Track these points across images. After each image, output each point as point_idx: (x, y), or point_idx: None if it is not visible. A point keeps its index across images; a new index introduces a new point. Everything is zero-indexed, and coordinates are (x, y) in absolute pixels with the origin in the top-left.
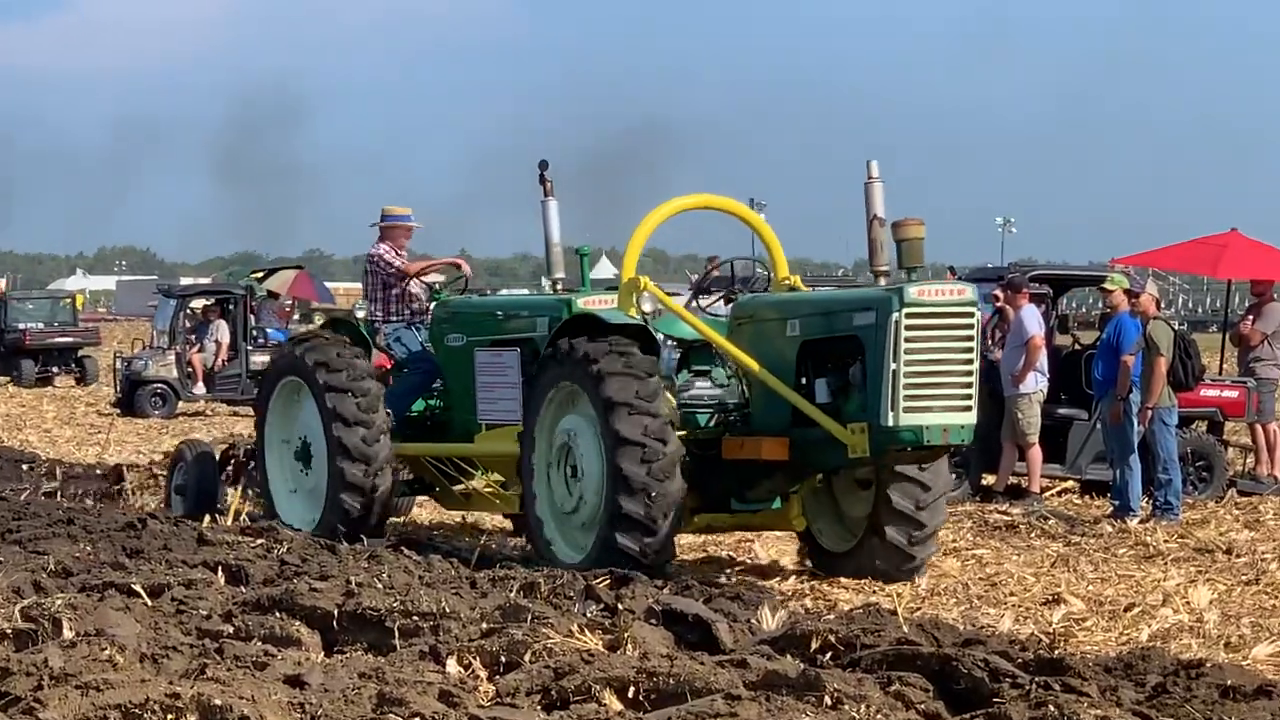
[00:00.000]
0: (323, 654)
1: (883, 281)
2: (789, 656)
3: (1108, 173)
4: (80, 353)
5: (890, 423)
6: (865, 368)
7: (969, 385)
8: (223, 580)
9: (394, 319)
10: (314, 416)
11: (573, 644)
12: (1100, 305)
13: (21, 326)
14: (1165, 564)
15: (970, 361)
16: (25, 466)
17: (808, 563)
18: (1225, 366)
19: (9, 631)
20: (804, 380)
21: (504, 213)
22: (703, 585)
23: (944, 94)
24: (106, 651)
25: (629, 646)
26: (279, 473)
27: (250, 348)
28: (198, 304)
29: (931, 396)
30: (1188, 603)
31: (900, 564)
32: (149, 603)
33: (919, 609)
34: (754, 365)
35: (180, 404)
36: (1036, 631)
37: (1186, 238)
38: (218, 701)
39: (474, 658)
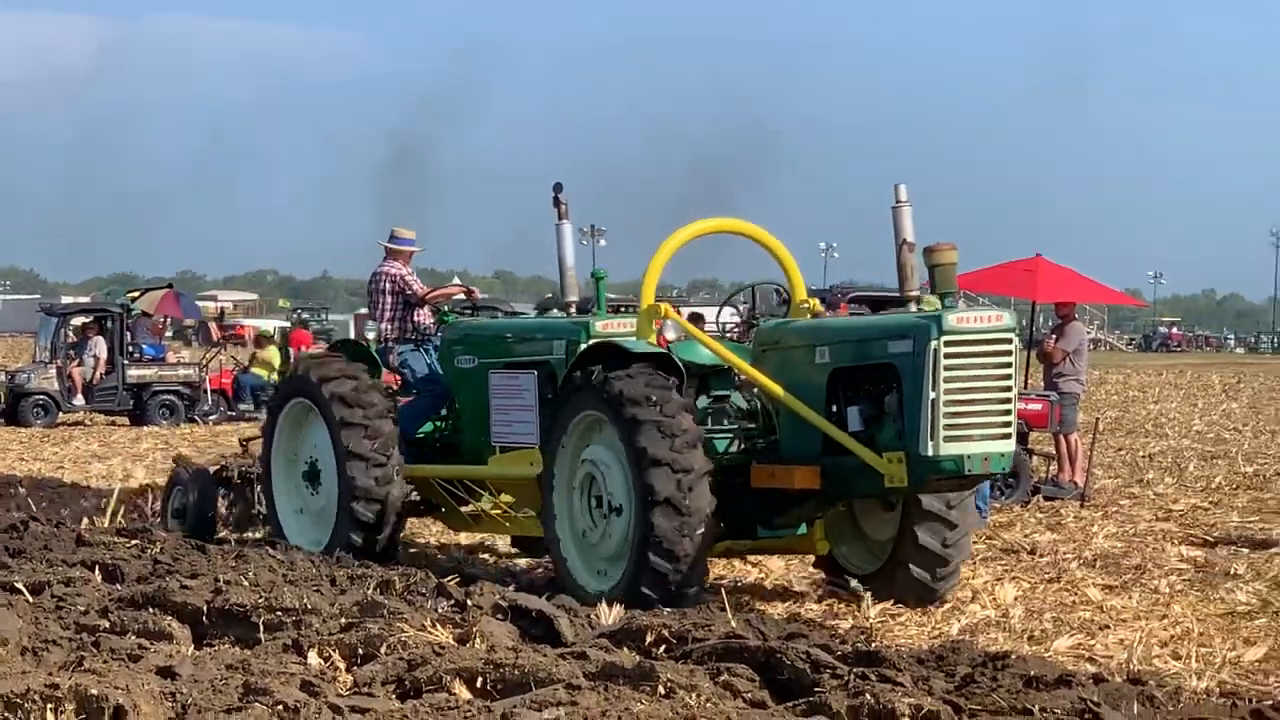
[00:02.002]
0: (193, 647)
1: (914, 306)
2: (626, 649)
3: (918, 203)
4: None
5: (930, 452)
6: (901, 396)
7: (1008, 413)
8: (99, 578)
9: (405, 340)
10: (324, 438)
11: (425, 637)
12: None
13: None
14: (974, 563)
15: (1009, 389)
16: None
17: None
18: (1030, 381)
19: None
20: (834, 408)
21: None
22: (547, 583)
23: (768, 119)
24: None
25: (477, 640)
26: (285, 492)
27: (126, 362)
28: (77, 321)
29: (972, 425)
30: (994, 599)
31: (923, 596)
32: (30, 599)
33: (746, 604)
34: (781, 392)
35: (61, 414)
36: (855, 626)
37: (990, 263)
38: (94, 691)
39: (333, 650)
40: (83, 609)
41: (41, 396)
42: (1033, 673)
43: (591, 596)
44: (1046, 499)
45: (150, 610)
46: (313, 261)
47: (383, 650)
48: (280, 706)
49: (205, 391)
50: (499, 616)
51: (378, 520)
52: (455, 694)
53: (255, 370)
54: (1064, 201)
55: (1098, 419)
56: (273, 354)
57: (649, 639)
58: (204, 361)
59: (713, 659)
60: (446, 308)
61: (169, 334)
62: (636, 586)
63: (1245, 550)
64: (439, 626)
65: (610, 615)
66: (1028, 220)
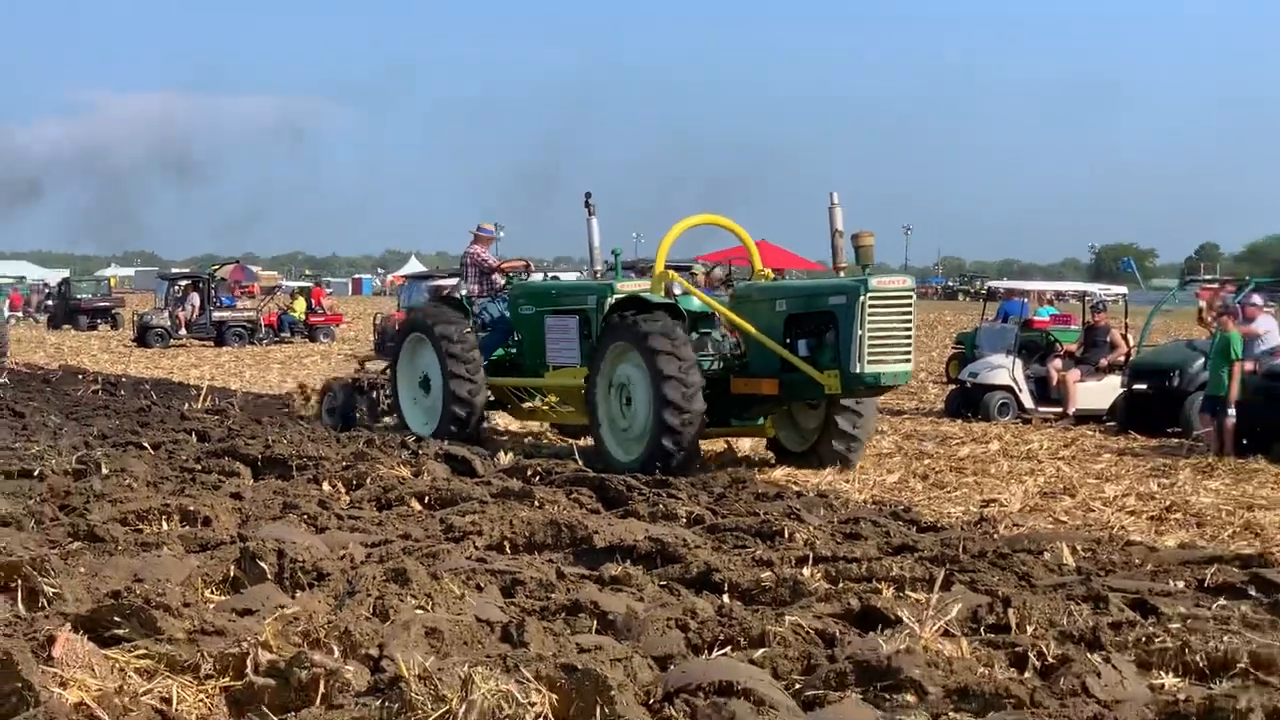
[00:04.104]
0: (252, 480)
1: (842, 274)
2: (515, 479)
3: (686, 192)
4: (113, 311)
5: (857, 370)
6: (838, 333)
7: (908, 345)
8: (194, 439)
9: (484, 296)
10: (433, 360)
11: (394, 473)
12: None
13: (79, 297)
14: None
15: (909, 329)
16: (80, 376)
17: (770, 455)
18: None
19: (71, 470)
20: (788, 340)
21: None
22: (464, 439)
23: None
24: (127, 481)
25: (425, 474)
26: (408, 394)
27: (211, 308)
28: (182, 283)
29: (885, 352)
30: (738, 448)
31: (843, 464)
32: (152, 452)
33: (587, 451)
34: (752, 330)
35: (171, 341)
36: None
37: (735, 244)
38: (191, 508)
39: (338, 482)
40: (184, 458)
41: (159, 329)
42: (760, 491)
43: (621, 465)
44: None
45: (226, 459)
46: (327, 244)
47: (368, 481)
48: (305, 515)
49: (261, 325)
50: (438, 459)
51: (468, 417)
52: (411, 507)
53: (291, 313)
54: (778, 203)
55: None
56: (300, 304)
57: (529, 473)
58: (260, 308)
59: (568, 485)
60: (513, 273)
61: (237, 293)
62: (652, 461)
63: (889, 416)
64: (402, 466)
65: (505, 459)
66: (757, 213)
